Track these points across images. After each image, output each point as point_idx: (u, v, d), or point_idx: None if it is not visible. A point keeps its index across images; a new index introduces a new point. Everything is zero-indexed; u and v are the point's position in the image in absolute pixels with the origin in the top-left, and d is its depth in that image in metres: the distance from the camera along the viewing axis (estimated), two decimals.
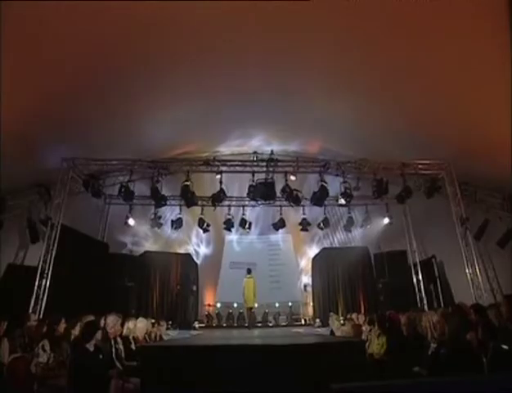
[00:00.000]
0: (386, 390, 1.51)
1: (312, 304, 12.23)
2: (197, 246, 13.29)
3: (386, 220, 10.93)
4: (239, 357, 3.18)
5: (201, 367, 3.13)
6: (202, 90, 7.43)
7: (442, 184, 8.89)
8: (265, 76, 7.13)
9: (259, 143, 10.86)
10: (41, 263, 7.53)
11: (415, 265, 10.67)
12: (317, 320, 10.66)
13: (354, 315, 7.62)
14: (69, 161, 8.50)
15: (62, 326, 4.57)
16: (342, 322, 7.45)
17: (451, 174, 8.73)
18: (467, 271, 8.09)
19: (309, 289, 12.66)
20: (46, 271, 7.54)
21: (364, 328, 6.06)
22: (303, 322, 12.24)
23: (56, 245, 7.84)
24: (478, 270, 7.99)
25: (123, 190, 8.85)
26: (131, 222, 10.49)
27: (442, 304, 8.85)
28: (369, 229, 11.29)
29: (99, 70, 6.18)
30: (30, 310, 6.83)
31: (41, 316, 6.83)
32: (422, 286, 10.33)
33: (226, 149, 11.16)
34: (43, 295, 7.33)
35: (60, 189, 8.30)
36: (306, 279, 13.29)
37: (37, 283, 7.31)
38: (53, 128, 7.07)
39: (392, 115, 7.68)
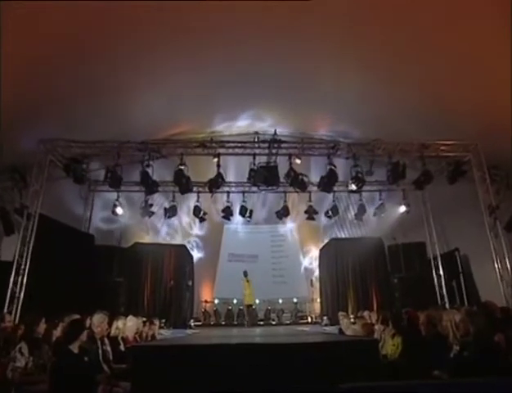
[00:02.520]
0: (397, 390, 1.56)
1: (319, 300, 12.28)
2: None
3: (402, 208, 10.84)
4: (238, 357, 3.17)
5: (197, 368, 3.11)
6: (197, 63, 7.28)
7: (468, 168, 8.71)
8: (267, 48, 6.98)
9: (261, 122, 10.72)
10: (16, 257, 7.47)
11: (435, 259, 10.65)
12: (325, 318, 10.70)
13: (366, 313, 7.61)
14: (48, 143, 8.37)
15: (42, 326, 4.54)
16: (352, 320, 7.46)
17: (479, 157, 8.55)
18: (496, 266, 8.03)
19: (316, 284, 12.69)
20: (22, 266, 7.50)
21: (377, 327, 6.05)
22: (309, 319, 12.33)
23: (33, 237, 7.79)
24: (508, 265, 7.92)
25: (109, 175, 8.76)
26: (119, 211, 10.45)
27: (466, 303, 8.83)
28: (383, 218, 11.21)
29: (80, 40, 6.02)
30: (5, 310, 6.80)
31: (17, 316, 6.85)
32: (443, 282, 10.32)
33: (224, 129, 11.03)
34: (20, 293, 7.31)
35: (38, 174, 8.19)
36: (312, 273, 13.33)
37: (12, 280, 7.27)
38: (29, 105, 6.92)
39: (409, 91, 7.52)
